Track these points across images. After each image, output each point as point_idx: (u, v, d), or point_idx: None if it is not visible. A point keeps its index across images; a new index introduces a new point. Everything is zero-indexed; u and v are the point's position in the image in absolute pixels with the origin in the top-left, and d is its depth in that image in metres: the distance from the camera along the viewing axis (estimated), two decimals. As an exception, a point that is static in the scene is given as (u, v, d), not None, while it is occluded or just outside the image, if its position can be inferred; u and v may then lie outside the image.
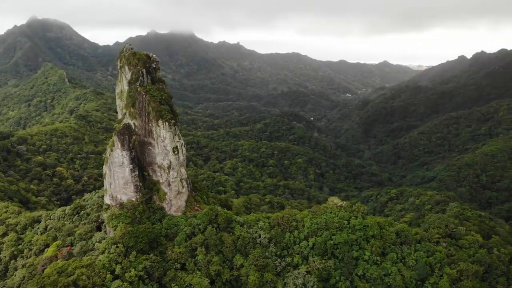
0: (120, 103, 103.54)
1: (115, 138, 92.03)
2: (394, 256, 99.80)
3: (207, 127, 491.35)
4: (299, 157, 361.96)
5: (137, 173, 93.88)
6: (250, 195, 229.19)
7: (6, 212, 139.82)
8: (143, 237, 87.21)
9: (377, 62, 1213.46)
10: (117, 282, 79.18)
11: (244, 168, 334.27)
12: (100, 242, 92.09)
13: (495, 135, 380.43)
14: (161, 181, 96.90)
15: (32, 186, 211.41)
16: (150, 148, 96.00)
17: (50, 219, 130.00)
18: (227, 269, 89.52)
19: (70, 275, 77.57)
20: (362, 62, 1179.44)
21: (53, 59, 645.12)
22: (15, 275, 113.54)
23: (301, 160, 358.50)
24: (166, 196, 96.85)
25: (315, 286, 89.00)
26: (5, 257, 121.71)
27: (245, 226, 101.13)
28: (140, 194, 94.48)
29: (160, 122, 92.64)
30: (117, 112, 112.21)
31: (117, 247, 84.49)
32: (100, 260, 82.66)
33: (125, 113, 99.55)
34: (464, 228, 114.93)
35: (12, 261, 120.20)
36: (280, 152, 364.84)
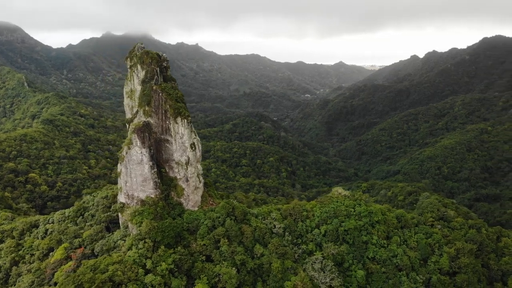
0: (129, 102, 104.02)
1: (133, 135, 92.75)
2: (398, 239, 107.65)
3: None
4: (271, 156, 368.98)
5: (156, 170, 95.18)
6: (235, 193, 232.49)
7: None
8: (169, 232, 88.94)
9: (332, 63, 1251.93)
10: (150, 276, 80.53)
11: (218, 168, 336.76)
12: (122, 239, 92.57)
13: (452, 129, 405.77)
14: (178, 177, 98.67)
15: (6, 194, 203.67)
16: (167, 145, 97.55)
17: (49, 223, 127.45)
18: (249, 258, 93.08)
19: (105, 272, 78.08)
20: (319, 63, 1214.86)
21: (4, 63, 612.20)
22: (20, 281, 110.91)
23: (273, 159, 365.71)
24: (184, 192, 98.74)
25: (333, 269, 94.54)
26: (5, 263, 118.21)
27: (259, 217, 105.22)
28: (159, 191, 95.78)
29: (178, 119, 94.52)
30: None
31: (145, 242, 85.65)
32: (130, 256, 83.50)
33: (136, 112, 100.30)
34: (453, 211, 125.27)
35: (14, 267, 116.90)
36: (252, 152, 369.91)
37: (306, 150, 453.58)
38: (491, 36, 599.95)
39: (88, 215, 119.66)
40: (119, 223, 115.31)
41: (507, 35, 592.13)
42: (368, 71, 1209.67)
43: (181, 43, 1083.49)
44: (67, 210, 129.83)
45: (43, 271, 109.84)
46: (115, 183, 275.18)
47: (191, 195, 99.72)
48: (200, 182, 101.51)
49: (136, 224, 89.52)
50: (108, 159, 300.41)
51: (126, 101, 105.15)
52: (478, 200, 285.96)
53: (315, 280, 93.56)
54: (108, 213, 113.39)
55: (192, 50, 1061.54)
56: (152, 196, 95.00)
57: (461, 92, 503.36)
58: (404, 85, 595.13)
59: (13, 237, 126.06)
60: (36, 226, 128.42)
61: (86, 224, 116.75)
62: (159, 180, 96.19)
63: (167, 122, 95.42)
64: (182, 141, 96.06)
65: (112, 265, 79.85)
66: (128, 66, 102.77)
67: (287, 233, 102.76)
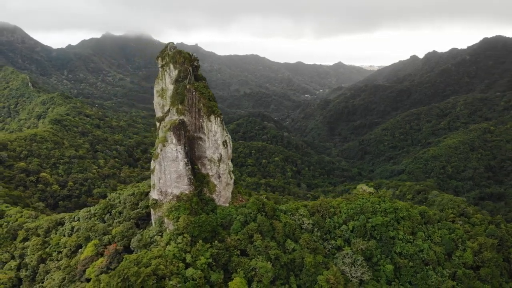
0: (160, 101, 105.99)
1: (169, 133, 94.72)
2: (422, 234, 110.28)
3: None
4: (276, 156, 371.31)
5: (190, 166, 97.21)
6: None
7: (21, 216, 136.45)
8: (205, 226, 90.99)
9: (331, 63, 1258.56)
10: (191, 269, 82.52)
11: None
12: (158, 235, 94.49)
13: (454, 129, 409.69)
14: (210, 173, 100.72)
15: (18, 193, 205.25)
16: (200, 142, 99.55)
17: (75, 221, 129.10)
18: (282, 253, 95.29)
19: (148, 266, 79.98)
20: (318, 63, 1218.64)
21: (4, 63, 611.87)
22: (49, 278, 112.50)
23: (278, 158, 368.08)
24: (216, 188, 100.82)
25: (363, 264, 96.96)
26: (32, 261, 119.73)
27: (287, 213, 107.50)
28: (193, 187, 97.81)
29: (212, 117, 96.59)
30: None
31: (184, 237, 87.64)
32: (170, 251, 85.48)
33: (168, 110, 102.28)
34: (472, 207, 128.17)
35: (41, 265, 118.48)
36: (258, 152, 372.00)
37: (309, 150, 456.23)
38: (491, 36, 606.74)
39: (116, 212, 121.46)
40: (147, 220, 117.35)
41: (507, 35, 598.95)
42: (367, 71, 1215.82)
43: (181, 44, 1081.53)
44: (92, 208, 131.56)
45: (73, 268, 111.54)
46: (124, 182, 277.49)
47: (223, 191, 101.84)
48: (231, 178, 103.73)
49: (173, 219, 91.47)
50: (116, 159, 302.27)
51: (157, 99, 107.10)
52: (482, 199, 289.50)
53: (346, 274, 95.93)
54: (137, 210, 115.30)
55: (191, 51, 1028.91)
56: (186, 192, 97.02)
57: (462, 92, 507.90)
58: (405, 85, 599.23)
59: (38, 235, 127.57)
60: (61, 223, 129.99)
61: (114, 221, 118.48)
62: (192, 177, 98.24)
63: (201, 120, 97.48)
64: (215, 138, 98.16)
65: (154, 259, 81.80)
66: (160, 66, 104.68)
67: (315, 229, 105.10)
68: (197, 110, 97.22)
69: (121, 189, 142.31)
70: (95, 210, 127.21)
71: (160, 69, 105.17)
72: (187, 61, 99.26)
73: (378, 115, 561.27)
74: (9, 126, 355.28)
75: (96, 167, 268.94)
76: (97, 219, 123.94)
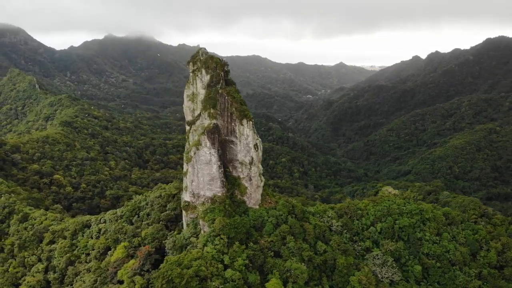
0: (190, 105, 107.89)
1: (203, 137, 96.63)
2: (448, 235, 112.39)
3: (182, 131, 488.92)
4: (283, 157, 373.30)
5: (223, 169, 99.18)
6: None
7: (46, 219, 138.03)
8: (241, 228, 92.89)
9: (333, 64, 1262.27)
10: (230, 271, 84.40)
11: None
12: (193, 236, 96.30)
13: (460, 130, 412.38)
14: (241, 176, 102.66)
15: (39, 195, 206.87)
16: (232, 146, 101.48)
17: (101, 223, 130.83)
18: (314, 254, 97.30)
19: (189, 267, 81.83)
20: (320, 64, 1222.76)
21: (8, 65, 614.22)
22: (80, 281, 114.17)
23: (285, 159, 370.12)
24: (247, 190, 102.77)
25: (394, 265, 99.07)
26: (60, 263, 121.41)
27: (316, 216, 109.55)
28: (226, 189, 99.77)
29: (244, 121, 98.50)
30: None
31: (221, 238, 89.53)
32: (208, 252, 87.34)
33: (199, 114, 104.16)
34: (492, 208, 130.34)
35: (70, 267, 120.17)
36: (265, 153, 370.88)
37: (315, 151, 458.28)
38: (494, 36, 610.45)
39: (144, 214, 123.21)
40: (176, 222, 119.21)
41: (510, 36, 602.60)
42: (369, 71, 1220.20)
43: (183, 45, 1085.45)
44: (119, 210, 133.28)
45: (104, 270, 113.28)
46: (135, 184, 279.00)
47: (253, 194, 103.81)
48: (261, 181, 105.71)
49: (209, 221, 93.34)
50: (126, 160, 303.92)
51: (187, 103, 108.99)
52: (490, 199, 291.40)
53: (377, 275, 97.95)
54: (166, 212, 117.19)
55: (193, 52, 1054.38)
56: (219, 194, 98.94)
57: (465, 92, 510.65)
58: (408, 85, 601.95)
59: (64, 237, 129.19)
60: (88, 226, 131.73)
61: (143, 223, 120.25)
62: (225, 179, 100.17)
63: (233, 124, 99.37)
64: (247, 142, 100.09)
65: (195, 260, 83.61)
66: (191, 71, 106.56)
67: (344, 231, 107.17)
68: (229, 114, 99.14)
69: (148, 192, 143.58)
70: (122, 212, 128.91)
71: (191, 74, 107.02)
72: (219, 66, 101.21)
73: (382, 115, 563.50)
74: (16, 128, 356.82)
75: (107, 168, 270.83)
76: (124, 221, 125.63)
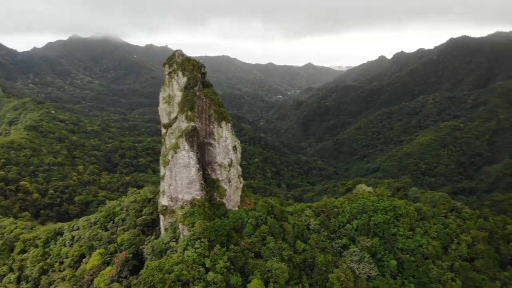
0: (167, 108, 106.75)
1: (181, 140, 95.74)
2: (420, 230, 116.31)
3: (151, 133, 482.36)
4: (255, 157, 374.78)
5: (201, 172, 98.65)
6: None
7: (16, 228, 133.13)
8: (221, 231, 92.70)
9: (301, 64, 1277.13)
10: (211, 274, 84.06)
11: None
12: (173, 241, 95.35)
13: (425, 127, 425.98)
14: (220, 178, 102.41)
15: (6, 203, 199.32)
16: (210, 148, 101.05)
17: (74, 230, 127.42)
18: (294, 253, 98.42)
19: (171, 272, 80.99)
20: (288, 64, 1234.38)
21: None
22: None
23: (257, 160, 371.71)
24: (226, 192, 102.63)
25: (370, 261, 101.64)
26: (33, 273, 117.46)
27: (294, 215, 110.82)
28: (205, 192, 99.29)
29: (223, 123, 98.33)
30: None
31: (202, 242, 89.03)
32: (189, 256, 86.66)
33: (175, 117, 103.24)
34: (460, 203, 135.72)
35: (43, 276, 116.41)
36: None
37: (286, 151, 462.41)
38: (457, 36, 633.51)
39: (119, 219, 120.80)
40: (153, 226, 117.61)
41: (472, 36, 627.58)
42: (336, 71, 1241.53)
43: (150, 45, 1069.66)
44: (92, 216, 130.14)
45: (79, 278, 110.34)
46: (105, 188, 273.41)
47: (233, 196, 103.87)
48: (240, 182, 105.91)
49: (188, 224, 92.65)
50: (95, 165, 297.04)
51: (163, 106, 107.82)
52: (455, 194, 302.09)
53: (355, 271, 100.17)
54: (143, 217, 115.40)
55: (161, 52, 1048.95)
56: (198, 197, 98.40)
57: (430, 91, 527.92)
58: (375, 85, 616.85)
59: (36, 246, 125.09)
60: (60, 233, 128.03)
61: (118, 228, 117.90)
62: (203, 182, 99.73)
63: (211, 126, 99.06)
64: (226, 144, 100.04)
65: (176, 265, 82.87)
66: (167, 73, 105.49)
67: (322, 229, 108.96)
68: (207, 116, 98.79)
69: (122, 197, 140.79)
70: (96, 218, 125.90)
71: (167, 76, 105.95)
72: (196, 68, 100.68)
73: (350, 114, 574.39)
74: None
75: (75, 173, 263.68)
76: (98, 227, 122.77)
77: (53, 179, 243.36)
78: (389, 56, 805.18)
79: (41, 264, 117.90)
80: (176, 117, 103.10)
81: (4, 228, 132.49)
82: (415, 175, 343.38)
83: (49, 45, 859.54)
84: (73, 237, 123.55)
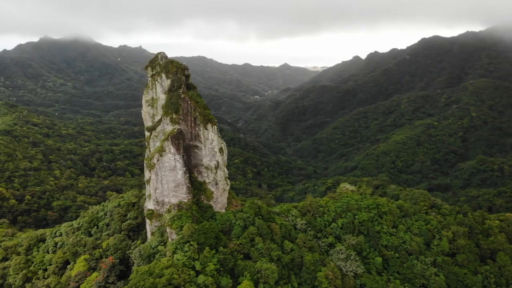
0: (150, 110, 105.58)
1: (166, 143, 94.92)
2: (403, 227, 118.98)
3: (127, 135, 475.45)
4: (236, 158, 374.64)
5: (188, 175, 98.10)
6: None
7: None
8: (210, 233, 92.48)
9: (278, 65, 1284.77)
10: (202, 277, 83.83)
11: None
12: (161, 245, 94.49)
13: (400, 126, 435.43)
14: (207, 181, 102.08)
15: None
16: (196, 150, 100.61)
17: (57, 236, 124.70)
18: (283, 254, 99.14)
19: (161, 276, 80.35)
20: (265, 65, 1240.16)
21: None
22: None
23: (238, 160, 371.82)
24: (213, 195, 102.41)
25: (357, 258, 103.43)
26: (16, 281, 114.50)
27: (281, 215, 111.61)
28: (191, 195, 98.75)
29: (208, 125, 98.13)
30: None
31: (191, 245, 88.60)
32: (178, 260, 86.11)
33: (159, 120, 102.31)
34: (440, 199, 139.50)
35: (27, 284, 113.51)
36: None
37: (266, 151, 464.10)
38: (429, 36, 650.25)
39: (103, 224, 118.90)
40: (138, 231, 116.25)
41: (443, 36, 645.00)
42: (312, 72, 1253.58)
43: (124, 46, 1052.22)
44: (75, 222, 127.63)
45: (64, 285, 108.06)
46: (83, 193, 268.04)
47: (220, 198, 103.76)
48: (227, 184, 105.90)
49: (176, 228, 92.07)
50: (72, 169, 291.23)
51: (146, 109, 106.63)
52: (431, 190, 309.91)
53: (342, 269, 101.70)
54: (128, 221, 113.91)
55: (135, 53, 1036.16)
56: (185, 200, 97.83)
57: (403, 90, 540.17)
58: (350, 85, 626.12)
59: (18, 253, 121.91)
60: (42, 240, 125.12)
61: (103, 234, 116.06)
62: (190, 185, 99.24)
63: (197, 128, 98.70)
64: (212, 146, 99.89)
65: (166, 269, 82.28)
66: (149, 75, 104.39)
67: (309, 229, 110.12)
68: (193, 119, 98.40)
69: (105, 202, 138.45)
70: (79, 224, 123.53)
71: (149, 79, 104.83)
72: (179, 70, 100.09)
73: (327, 114, 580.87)
74: None
75: (52, 178, 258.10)
76: (82, 233, 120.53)
77: (29, 185, 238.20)
78: (363, 56, 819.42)
79: (24, 271, 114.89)
80: (160, 120, 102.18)
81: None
82: (392, 173, 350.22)
83: (20, 47, 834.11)
84: (56, 243, 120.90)
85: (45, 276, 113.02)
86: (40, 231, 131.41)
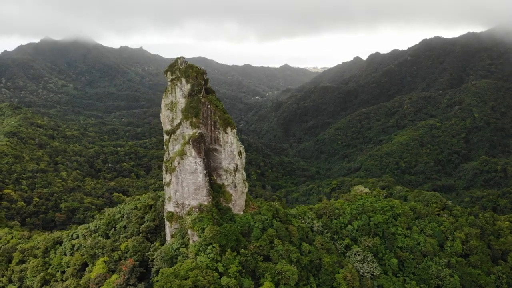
0: (169, 114, 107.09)
1: (188, 146, 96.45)
2: (417, 228, 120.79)
3: (130, 137, 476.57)
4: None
5: (208, 178, 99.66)
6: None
7: (12, 238, 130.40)
8: (231, 235, 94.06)
9: (278, 66, 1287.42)
10: (225, 278, 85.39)
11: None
12: (182, 247, 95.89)
13: (403, 126, 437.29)
14: (226, 183, 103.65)
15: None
16: (216, 154, 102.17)
17: (74, 239, 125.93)
18: (301, 255, 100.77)
19: (187, 278, 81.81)
20: (265, 66, 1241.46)
21: None
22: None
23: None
24: (232, 197, 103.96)
25: (373, 260, 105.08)
26: (34, 284, 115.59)
27: (297, 218, 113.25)
28: (211, 197, 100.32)
29: (228, 129, 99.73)
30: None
31: (213, 247, 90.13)
32: (202, 261, 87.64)
33: (179, 124, 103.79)
34: (451, 201, 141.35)
35: (45, 286, 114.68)
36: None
37: (269, 152, 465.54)
38: (430, 37, 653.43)
39: (120, 227, 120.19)
40: (155, 233, 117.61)
41: (444, 36, 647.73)
42: (312, 72, 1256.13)
43: (125, 47, 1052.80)
44: (91, 224, 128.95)
45: (83, 287, 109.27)
46: (90, 195, 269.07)
47: (238, 200, 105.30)
48: (246, 187, 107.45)
49: (198, 230, 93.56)
50: (78, 171, 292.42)
51: (166, 113, 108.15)
52: (435, 191, 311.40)
53: (359, 271, 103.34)
54: (147, 224, 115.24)
55: (136, 54, 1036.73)
56: (205, 203, 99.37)
57: (405, 91, 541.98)
58: (352, 86, 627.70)
59: (35, 256, 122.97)
60: (59, 242, 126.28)
61: (121, 236, 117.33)
62: (210, 188, 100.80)
63: (216, 132, 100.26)
64: (231, 149, 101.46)
65: (191, 271, 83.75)
66: (169, 80, 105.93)
67: (325, 231, 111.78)
68: (212, 122, 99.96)
69: (121, 204, 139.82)
70: (96, 226, 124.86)
71: (169, 83, 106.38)
72: (199, 75, 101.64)
73: (329, 115, 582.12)
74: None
75: (59, 180, 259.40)
76: (99, 235, 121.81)
77: (37, 187, 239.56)
78: (363, 57, 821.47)
79: (42, 274, 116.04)
80: (179, 124, 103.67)
81: (0, 239, 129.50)
82: (395, 174, 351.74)
83: (21, 48, 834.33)
84: (73, 245, 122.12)
85: (63, 279, 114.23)
86: (57, 233, 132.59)
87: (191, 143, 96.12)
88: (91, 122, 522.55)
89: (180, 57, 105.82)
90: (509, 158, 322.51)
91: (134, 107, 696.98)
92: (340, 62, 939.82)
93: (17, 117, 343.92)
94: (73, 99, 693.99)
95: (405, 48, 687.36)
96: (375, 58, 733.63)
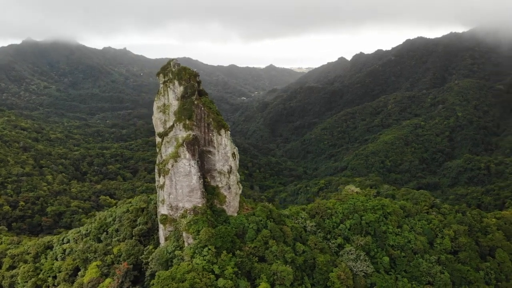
0: (161, 116, 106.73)
1: (181, 149, 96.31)
2: (407, 227, 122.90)
3: (116, 139, 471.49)
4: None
5: (202, 180, 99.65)
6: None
7: (1, 243, 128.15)
8: (226, 237, 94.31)
9: (263, 66, 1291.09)
10: (222, 280, 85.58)
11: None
12: (177, 249, 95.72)
13: (387, 126, 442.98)
14: (220, 185, 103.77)
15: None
16: (209, 156, 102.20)
17: (64, 243, 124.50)
18: (296, 255, 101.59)
19: (184, 281, 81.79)
20: (251, 66, 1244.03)
21: None
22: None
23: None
24: (226, 199, 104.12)
25: (366, 258, 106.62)
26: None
27: (291, 218, 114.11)
28: (205, 200, 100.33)
29: (222, 131, 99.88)
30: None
31: (209, 249, 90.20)
32: (198, 264, 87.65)
33: (171, 126, 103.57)
34: (439, 199, 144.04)
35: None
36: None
37: (256, 152, 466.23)
38: (413, 37, 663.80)
39: (112, 230, 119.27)
40: (148, 236, 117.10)
41: (427, 37, 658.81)
42: (297, 73, 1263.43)
43: (108, 48, 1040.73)
44: (82, 228, 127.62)
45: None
46: (76, 198, 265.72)
47: (232, 202, 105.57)
48: (240, 188, 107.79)
49: (193, 233, 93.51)
50: (63, 174, 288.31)
51: (158, 115, 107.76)
52: (420, 189, 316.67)
53: (353, 269, 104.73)
54: (139, 227, 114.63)
55: (120, 55, 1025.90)
56: (200, 205, 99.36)
57: (389, 91, 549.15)
58: (337, 86, 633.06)
59: (25, 261, 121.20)
60: (50, 247, 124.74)
61: (113, 239, 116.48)
62: (204, 190, 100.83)
63: (210, 134, 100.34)
64: (225, 151, 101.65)
65: (188, 273, 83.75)
66: (161, 82, 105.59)
67: (318, 230, 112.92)
68: (206, 124, 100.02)
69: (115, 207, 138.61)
70: (87, 230, 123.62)
71: (161, 85, 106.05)
72: (192, 77, 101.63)
73: (315, 115, 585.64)
74: None
75: (45, 183, 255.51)
76: (91, 239, 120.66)
77: (22, 190, 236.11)
78: (348, 57, 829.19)
79: (33, 279, 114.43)
80: (172, 126, 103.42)
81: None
82: (381, 172, 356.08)
83: (2, 50, 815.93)
84: (64, 250, 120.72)
85: (55, 284, 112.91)
86: (47, 238, 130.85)
87: (185, 145, 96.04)
88: (75, 124, 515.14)
89: (173, 59, 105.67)
90: (492, 156, 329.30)
91: (119, 109, 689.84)
92: (325, 63, 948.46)
93: (0, 120, 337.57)
94: (56, 101, 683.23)
95: (389, 48, 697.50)
96: (360, 58, 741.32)
